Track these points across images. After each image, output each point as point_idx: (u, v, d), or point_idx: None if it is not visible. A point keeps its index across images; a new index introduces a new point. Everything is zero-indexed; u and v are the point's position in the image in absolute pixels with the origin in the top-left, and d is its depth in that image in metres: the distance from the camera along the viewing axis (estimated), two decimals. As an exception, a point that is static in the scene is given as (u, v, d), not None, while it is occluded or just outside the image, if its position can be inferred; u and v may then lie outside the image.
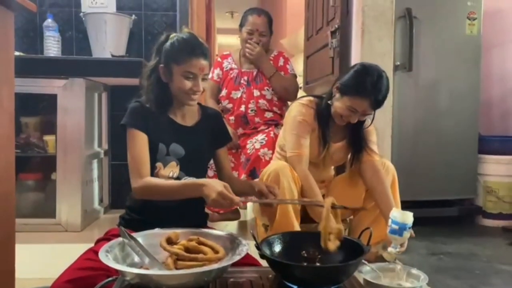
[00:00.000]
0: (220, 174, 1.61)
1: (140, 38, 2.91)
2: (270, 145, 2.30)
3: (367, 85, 1.67)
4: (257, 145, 2.32)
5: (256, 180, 1.55)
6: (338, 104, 1.76)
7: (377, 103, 1.71)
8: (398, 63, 2.65)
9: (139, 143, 1.40)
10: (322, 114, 1.85)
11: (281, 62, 2.65)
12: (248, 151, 2.37)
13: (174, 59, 1.41)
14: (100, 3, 2.84)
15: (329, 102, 1.82)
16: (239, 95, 2.56)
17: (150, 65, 1.48)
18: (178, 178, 1.46)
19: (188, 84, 1.41)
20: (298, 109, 1.86)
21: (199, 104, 1.59)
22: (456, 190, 2.83)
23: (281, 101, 2.63)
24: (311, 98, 1.93)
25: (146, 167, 1.38)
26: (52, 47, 2.70)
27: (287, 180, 1.72)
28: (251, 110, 2.53)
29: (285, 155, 1.92)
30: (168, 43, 1.44)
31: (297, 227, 1.72)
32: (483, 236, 2.62)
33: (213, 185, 1.25)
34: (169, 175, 1.45)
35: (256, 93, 2.54)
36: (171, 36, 1.46)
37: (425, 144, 2.75)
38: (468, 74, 2.80)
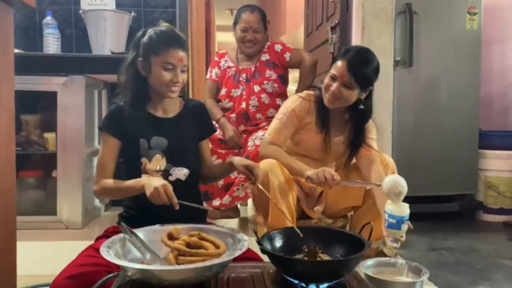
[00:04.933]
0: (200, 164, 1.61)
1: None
2: None
3: (349, 51, 1.76)
4: (257, 142, 2.32)
5: (236, 158, 1.54)
6: (325, 79, 1.81)
7: (356, 71, 1.71)
8: (398, 58, 2.64)
9: (107, 148, 1.46)
10: (321, 105, 1.86)
11: (278, 48, 2.61)
12: (249, 148, 2.36)
13: (153, 50, 1.42)
14: (99, 0, 2.83)
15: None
16: (239, 93, 2.55)
17: (127, 60, 1.49)
18: (166, 170, 1.46)
19: (167, 75, 1.42)
20: (293, 100, 1.91)
21: (183, 97, 1.59)
22: (456, 186, 2.83)
23: (283, 92, 2.62)
24: (310, 92, 1.94)
25: (106, 172, 1.44)
26: (52, 44, 2.69)
27: (277, 178, 1.72)
28: (252, 106, 2.53)
29: (286, 149, 1.92)
30: (146, 37, 1.45)
31: (289, 224, 1.71)
32: (484, 231, 2.62)
33: (150, 183, 1.27)
34: (156, 169, 1.45)
35: (257, 88, 2.53)
36: (148, 30, 1.47)
37: (426, 140, 2.75)
38: (468, 69, 2.80)
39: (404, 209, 1.47)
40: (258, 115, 2.53)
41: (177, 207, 1.26)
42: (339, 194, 1.91)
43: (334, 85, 1.75)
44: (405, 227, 1.47)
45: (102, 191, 1.45)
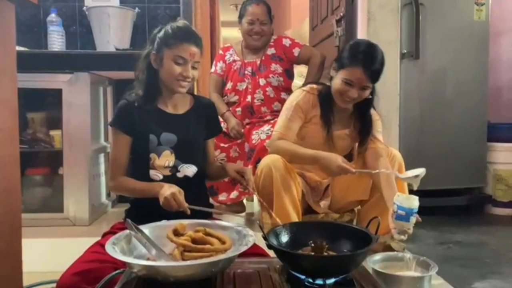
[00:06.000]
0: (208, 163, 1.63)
1: (144, 31, 2.89)
2: None
3: (359, 54, 1.71)
4: (263, 136, 2.31)
5: (229, 164, 1.56)
6: (336, 80, 1.77)
7: (372, 73, 1.70)
8: (405, 51, 2.61)
9: (119, 145, 1.47)
10: (325, 99, 1.85)
11: (286, 43, 2.60)
12: (253, 141, 2.36)
13: (166, 43, 1.44)
14: (103, -4, 2.82)
15: (329, 84, 1.84)
16: (244, 86, 2.55)
17: (143, 54, 1.50)
18: (174, 166, 1.46)
19: (177, 69, 1.43)
20: (297, 95, 1.90)
21: (192, 94, 1.60)
22: (465, 179, 2.80)
23: (288, 86, 2.61)
24: (313, 85, 1.93)
25: (120, 169, 1.46)
26: (56, 41, 2.69)
27: (280, 172, 1.71)
28: (257, 100, 2.52)
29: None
30: (161, 31, 1.47)
31: (295, 218, 1.71)
32: (493, 224, 2.60)
33: (162, 192, 1.32)
34: (165, 165, 1.46)
35: (262, 82, 2.52)
36: (165, 26, 1.48)
37: (433, 133, 2.73)
38: (476, 60, 2.76)
39: (414, 202, 1.46)
40: (263, 109, 2.52)
41: (188, 213, 1.29)
42: (346, 188, 1.90)
43: (352, 91, 1.73)
44: (413, 219, 1.46)
45: (116, 188, 1.50)
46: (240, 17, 2.62)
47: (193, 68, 1.46)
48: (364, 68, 1.69)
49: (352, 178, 1.90)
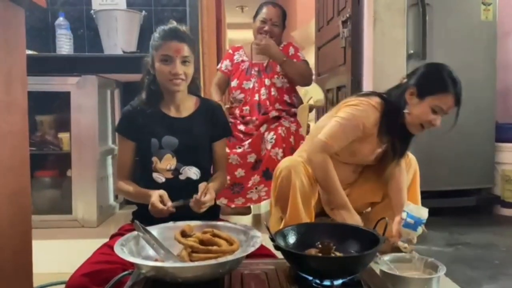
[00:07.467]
0: (213, 166, 1.61)
1: (150, 34, 2.83)
2: (280, 143, 2.30)
3: (447, 79, 1.63)
4: (268, 146, 2.31)
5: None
6: (420, 109, 1.65)
7: (460, 97, 1.64)
8: (411, 51, 2.60)
9: (123, 150, 1.52)
10: (391, 124, 1.70)
11: (291, 51, 2.65)
12: (262, 153, 2.37)
13: (153, 47, 1.47)
14: (110, 0, 2.84)
15: (405, 111, 1.68)
16: (251, 86, 2.59)
17: (144, 60, 1.55)
18: (176, 169, 1.47)
19: (165, 68, 1.44)
20: (365, 109, 1.69)
21: (199, 96, 1.60)
22: (473, 180, 2.78)
23: (291, 88, 2.63)
24: (378, 100, 1.74)
25: (123, 173, 1.52)
26: (65, 45, 2.72)
27: (299, 178, 1.68)
28: (263, 95, 2.55)
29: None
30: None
31: (306, 220, 1.70)
32: (502, 225, 2.57)
33: (152, 198, 1.34)
34: (167, 168, 1.46)
35: (267, 82, 2.57)
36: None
37: (441, 133, 2.70)
38: (484, 61, 2.74)
39: (424, 212, 1.48)
40: (268, 103, 2.54)
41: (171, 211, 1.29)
42: (364, 192, 1.88)
43: (439, 118, 1.66)
44: (420, 229, 1.47)
45: (117, 191, 1.59)
46: (255, 16, 2.68)
47: (184, 63, 1.45)
48: (454, 94, 1.63)
49: (367, 181, 1.89)
